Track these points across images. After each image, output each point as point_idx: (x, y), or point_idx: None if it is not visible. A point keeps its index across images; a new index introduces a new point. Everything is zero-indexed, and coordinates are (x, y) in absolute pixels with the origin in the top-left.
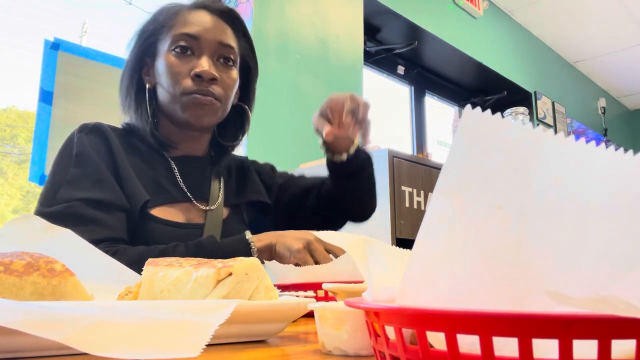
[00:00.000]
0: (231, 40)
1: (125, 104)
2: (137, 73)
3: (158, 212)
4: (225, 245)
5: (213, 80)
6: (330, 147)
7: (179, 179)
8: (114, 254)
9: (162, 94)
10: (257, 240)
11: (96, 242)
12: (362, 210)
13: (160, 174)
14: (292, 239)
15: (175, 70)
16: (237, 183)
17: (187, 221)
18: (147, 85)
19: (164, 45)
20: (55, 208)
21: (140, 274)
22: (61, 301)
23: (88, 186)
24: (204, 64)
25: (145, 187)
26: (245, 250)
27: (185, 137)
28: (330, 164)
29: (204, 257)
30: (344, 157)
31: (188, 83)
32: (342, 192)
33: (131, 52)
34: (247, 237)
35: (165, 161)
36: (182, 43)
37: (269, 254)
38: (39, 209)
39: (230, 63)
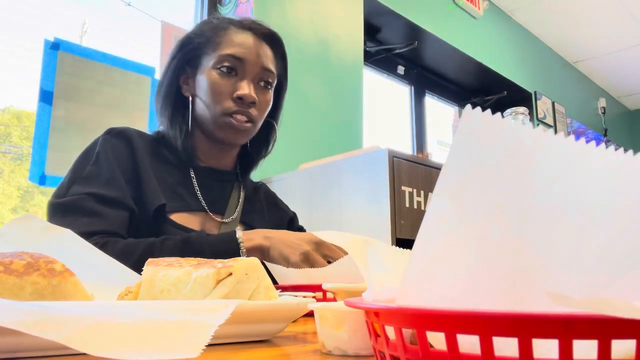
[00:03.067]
0: (272, 64)
1: (160, 110)
2: (176, 81)
3: (176, 217)
4: (214, 243)
5: (253, 103)
6: None
7: (197, 189)
8: (103, 245)
9: (201, 108)
10: (246, 239)
11: (93, 234)
12: None
13: (179, 183)
14: (288, 247)
15: (217, 90)
16: (261, 206)
17: (202, 230)
18: (186, 94)
19: (209, 61)
20: (64, 199)
21: (126, 266)
22: (61, 301)
23: (99, 183)
24: (247, 88)
25: (164, 193)
26: (233, 249)
27: (214, 150)
28: None
29: (191, 252)
30: None
31: (229, 104)
32: None
33: (172, 59)
34: (237, 236)
35: (186, 171)
36: (227, 63)
37: (259, 255)
38: (51, 199)
39: (269, 86)
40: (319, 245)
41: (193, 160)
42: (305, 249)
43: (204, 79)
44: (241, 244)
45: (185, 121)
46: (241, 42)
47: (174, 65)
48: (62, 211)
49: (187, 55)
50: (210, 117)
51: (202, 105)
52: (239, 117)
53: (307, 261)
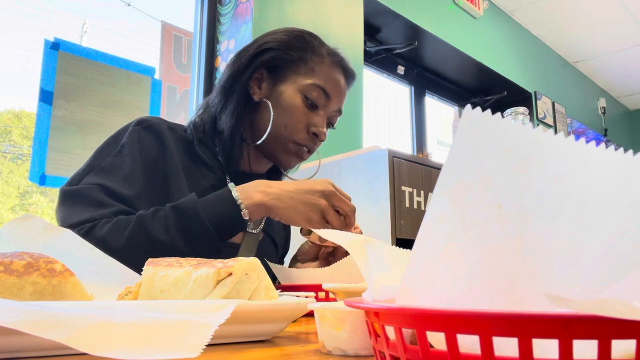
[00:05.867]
0: (343, 105)
1: (223, 108)
2: (247, 78)
3: None
4: (210, 206)
5: (321, 141)
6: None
7: None
8: (92, 227)
9: (270, 121)
10: (245, 197)
11: (91, 221)
12: None
13: (213, 187)
14: (305, 204)
15: (297, 116)
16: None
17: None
18: (255, 98)
19: (297, 82)
20: (74, 187)
21: (118, 243)
22: (61, 301)
23: (116, 178)
24: (324, 126)
25: None
26: (233, 209)
27: (256, 157)
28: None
29: (186, 219)
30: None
31: (303, 135)
32: None
33: (252, 58)
34: (233, 196)
35: (222, 174)
36: (315, 95)
37: (263, 211)
38: (63, 186)
39: (332, 126)
40: (329, 196)
41: (234, 166)
42: (322, 206)
43: (286, 97)
44: (241, 205)
45: (243, 126)
46: (334, 80)
47: (254, 66)
48: (69, 199)
49: (272, 61)
50: (276, 137)
51: (273, 120)
52: (305, 149)
53: (325, 221)
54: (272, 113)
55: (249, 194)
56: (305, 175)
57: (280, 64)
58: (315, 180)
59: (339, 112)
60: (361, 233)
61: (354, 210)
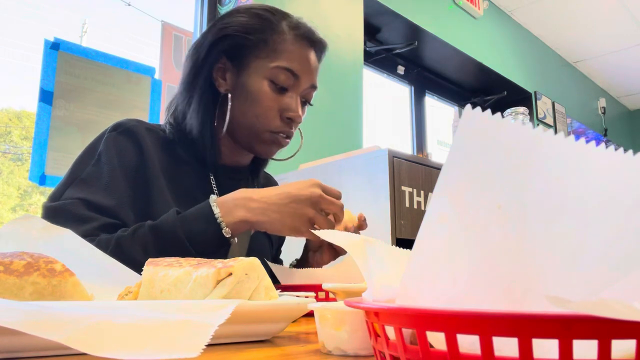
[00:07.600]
0: (317, 78)
1: (188, 103)
2: (210, 72)
3: None
4: (189, 226)
5: (298, 123)
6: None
7: (215, 192)
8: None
9: (240, 113)
10: (225, 213)
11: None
12: None
13: (196, 186)
14: (290, 215)
15: (267, 104)
16: None
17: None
18: (221, 90)
19: (260, 67)
20: (56, 204)
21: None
22: (61, 301)
23: (96, 188)
24: (297, 109)
25: (178, 199)
26: (213, 227)
27: (235, 150)
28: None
29: (165, 240)
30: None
31: (277, 122)
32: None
33: (210, 46)
34: (214, 213)
35: (204, 172)
36: (283, 77)
37: (246, 228)
38: (45, 202)
39: (309, 103)
40: (317, 203)
41: (214, 162)
42: (310, 215)
43: (252, 86)
44: (221, 223)
45: (215, 119)
46: (300, 56)
47: (213, 56)
48: (52, 216)
49: (232, 48)
50: (250, 128)
51: (242, 111)
52: (282, 135)
53: (313, 228)
54: (229, 105)
55: (231, 209)
56: (299, 173)
57: (241, 50)
58: (301, 184)
59: (313, 87)
60: (363, 218)
61: (342, 208)
